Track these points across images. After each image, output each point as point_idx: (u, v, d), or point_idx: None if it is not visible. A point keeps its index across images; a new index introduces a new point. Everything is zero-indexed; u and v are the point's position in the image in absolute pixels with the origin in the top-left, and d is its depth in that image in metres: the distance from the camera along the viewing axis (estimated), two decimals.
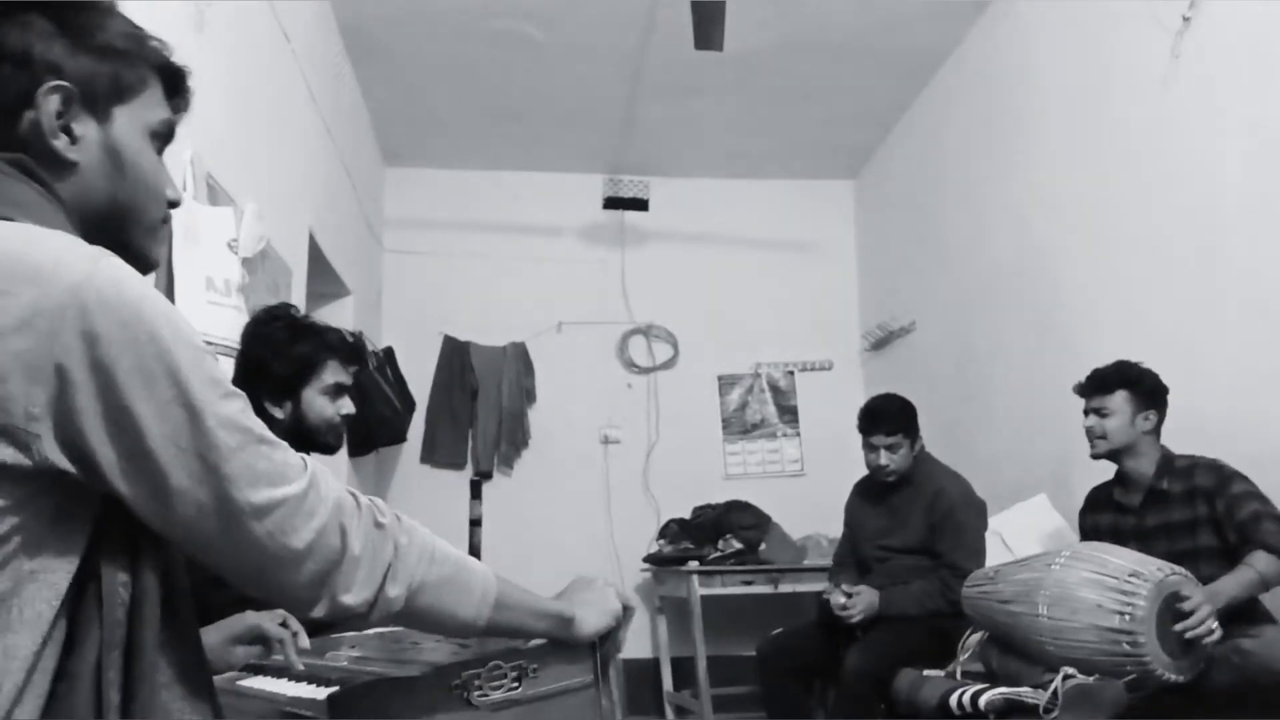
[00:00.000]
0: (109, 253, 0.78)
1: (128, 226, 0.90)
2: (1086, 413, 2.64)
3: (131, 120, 0.89)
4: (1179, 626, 2.13)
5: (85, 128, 0.86)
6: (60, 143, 0.85)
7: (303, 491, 0.82)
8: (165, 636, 0.79)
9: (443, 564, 0.93)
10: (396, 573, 0.88)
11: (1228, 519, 2.34)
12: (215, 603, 1.38)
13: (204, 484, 0.77)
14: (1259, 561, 2.24)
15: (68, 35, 0.85)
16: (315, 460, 0.86)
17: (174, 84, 0.94)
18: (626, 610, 1.15)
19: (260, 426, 0.82)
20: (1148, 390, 2.58)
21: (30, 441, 0.71)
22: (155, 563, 0.80)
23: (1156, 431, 2.58)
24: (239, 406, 0.81)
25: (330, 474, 0.87)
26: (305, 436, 1.99)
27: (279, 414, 2.00)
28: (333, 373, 2.06)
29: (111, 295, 0.74)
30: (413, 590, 0.89)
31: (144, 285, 0.77)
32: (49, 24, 0.84)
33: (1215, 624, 2.12)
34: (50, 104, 0.84)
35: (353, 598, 0.85)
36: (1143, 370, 2.62)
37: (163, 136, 0.93)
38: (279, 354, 2.02)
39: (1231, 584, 2.22)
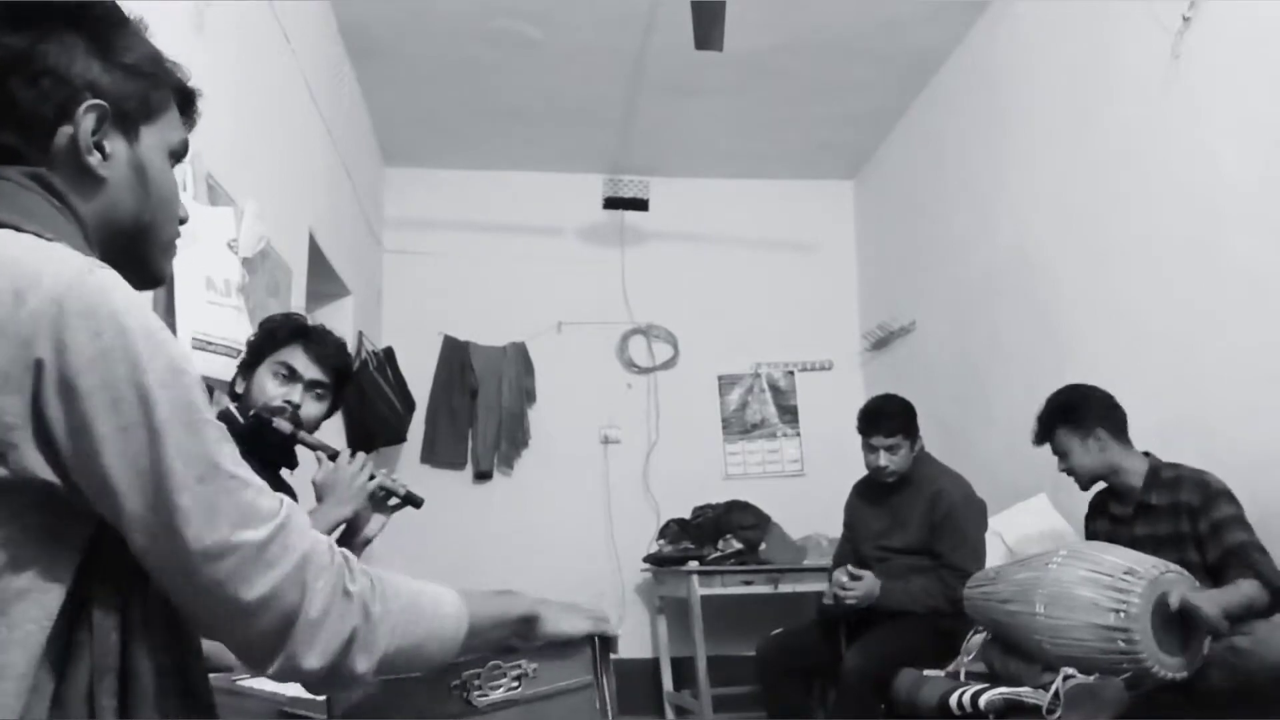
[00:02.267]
0: (102, 264, 0.77)
1: (146, 243, 0.92)
2: (1054, 455, 2.66)
3: (156, 139, 0.91)
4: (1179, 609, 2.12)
5: (116, 145, 0.88)
6: (94, 159, 0.86)
7: (264, 540, 0.77)
8: (166, 661, 0.78)
9: (418, 625, 0.87)
10: (365, 643, 0.82)
11: (1211, 540, 2.33)
12: None
13: (158, 514, 0.73)
14: (1249, 588, 2.23)
15: (103, 54, 0.86)
16: (293, 507, 0.82)
17: (187, 104, 0.97)
18: (606, 635, 1.11)
19: (233, 463, 0.78)
20: (1082, 414, 2.57)
21: (7, 451, 0.70)
22: (154, 587, 0.78)
23: (1120, 442, 2.56)
24: (211, 436, 0.77)
25: (306, 523, 0.82)
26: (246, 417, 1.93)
27: (239, 388, 1.99)
28: (291, 355, 1.97)
29: (91, 306, 0.73)
30: (385, 660, 0.84)
31: (130, 299, 0.76)
32: (86, 42, 0.85)
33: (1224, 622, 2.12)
34: (87, 121, 0.85)
35: (309, 662, 0.79)
36: (1073, 396, 2.62)
37: (178, 155, 0.95)
38: (260, 327, 2.07)
39: (1225, 597, 2.21)
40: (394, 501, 1.96)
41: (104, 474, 0.73)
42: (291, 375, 1.96)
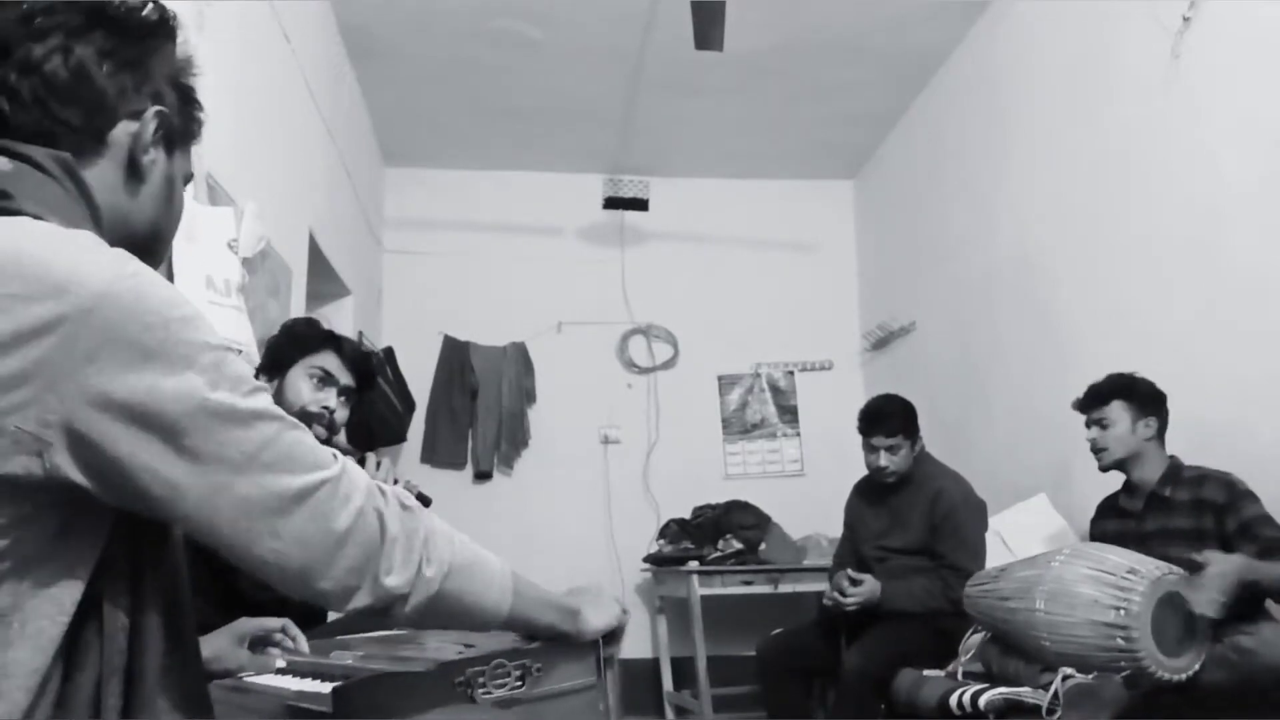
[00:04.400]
0: (130, 256, 0.78)
1: (154, 253, 0.95)
2: (1088, 425, 2.66)
3: (181, 163, 0.96)
4: (1194, 576, 2.14)
5: (159, 155, 0.92)
6: (148, 158, 0.90)
7: (337, 475, 0.84)
8: (168, 662, 0.79)
9: (464, 549, 0.95)
10: (430, 554, 0.90)
11: (1243, 539, 2.32)
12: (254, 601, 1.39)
13: (245, 475, 0.78)
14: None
15: (174, 74, 0.93)
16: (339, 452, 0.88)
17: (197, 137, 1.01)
18: (623, 617, 1.17)
19: (290, 416, 0.84)
20: (1144, 397, 2.60)
21: (43, 449, 0.71)
22: (160, 587, 0.79)
23: (1160, 438, 2.59)
24: (268, 398, 0.82)
25: (355, 464, 0.89)
26: None
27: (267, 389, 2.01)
28: (325, 360, 2.02)
29: (135, 301, 0.74)
30: (445, 572, 0.90)
31: (167, 289, 0.78)
32: (166, 57, 0.92)
33: (1219, 602, 2.13)
34: (149, 125, 0.90)
35: (394, 579, 0.86)
36: (1136, 379, 2.64)
37: (186, 182, 1.01)
38: (285, 330, 2.10)
39: (1266, 568, 2.20)
40: None
41: (187, 454, 0.75)
42: (327, 379, 2.01)
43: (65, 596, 0.73)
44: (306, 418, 1.95)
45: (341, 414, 2.05)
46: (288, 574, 0.82)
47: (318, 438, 1.96)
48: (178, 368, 0.74)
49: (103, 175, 0.87)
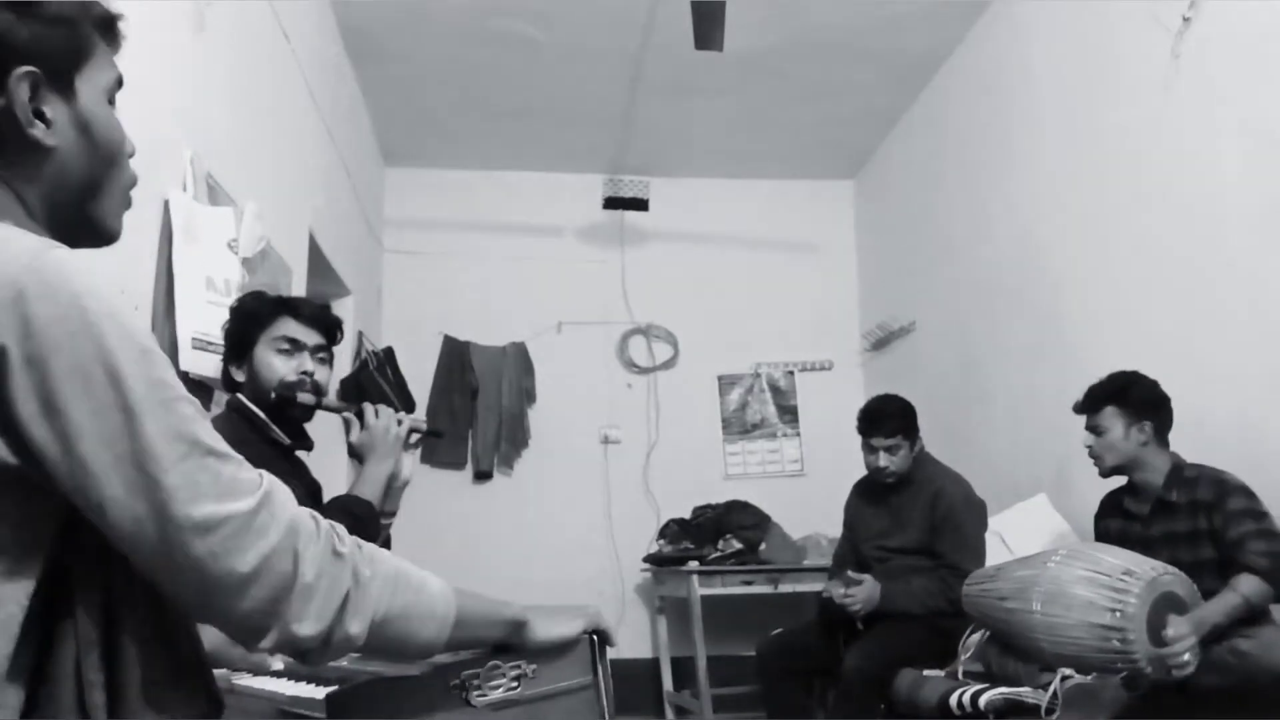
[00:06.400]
0: (56, 244, 0.75)
1: (98, 202, 0.88)
2: (1086, 429, 2.61)
3: (91, 87, 0.86)
4: (1162, 651, 2.13)
5: (55, 108, 0.83)
6: (39, 130, 0.82)
7: (252, 509, 0.76)
8: (153, 631, 0.77)
9: (405, 592, 0.87)
10: (357, 606, 0.82)
11: (1222, 535, 2.32)
12: None
13: (141, 495, 0.72)
14: (1243, 584, 2.22)
15: (17, 10, 0.80)
16: (273, 479, 0.81)
17: (109, 33, 0.89)
18: (601, 633, 1.10)
19: (211, 438, 0.77)
20: (1138, 401, 2.53)
21: None
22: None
23: (1159, 441, 2.53)
24: (187, 413, 0.76)
25: (288, 494, 0.81)
26: (264, 400, 1.87)
27: (239, 376, 1.92)
28: (285, 327, 1.92)
29: (52, 289, 0.71)
30: (375, 623, 0.83)
31: (89, 279, 0.73)
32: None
33: (1194, 655, 2.13)
34: (21, 92, 0.80)
35: (307, 629, 0.78)
36: (1132, 381, 2.57)
37: (115, 90, 0.90)
38: (234, 312, 1.99)
39: (1215, 610, 2.20)
40: (415, 438, 2.02)
41: (81, 459, 0.71)
42: (295, 346, 1.92)
43: (30, 579, 0.72)
44: (289, 388, 1.87)
45: (322, 374, 1.95)
46: (186, 602, 0.77)
47: (306, 404, 1.86)
48: (90, 361, 0.71)
49: (16, 167, 0.82)
